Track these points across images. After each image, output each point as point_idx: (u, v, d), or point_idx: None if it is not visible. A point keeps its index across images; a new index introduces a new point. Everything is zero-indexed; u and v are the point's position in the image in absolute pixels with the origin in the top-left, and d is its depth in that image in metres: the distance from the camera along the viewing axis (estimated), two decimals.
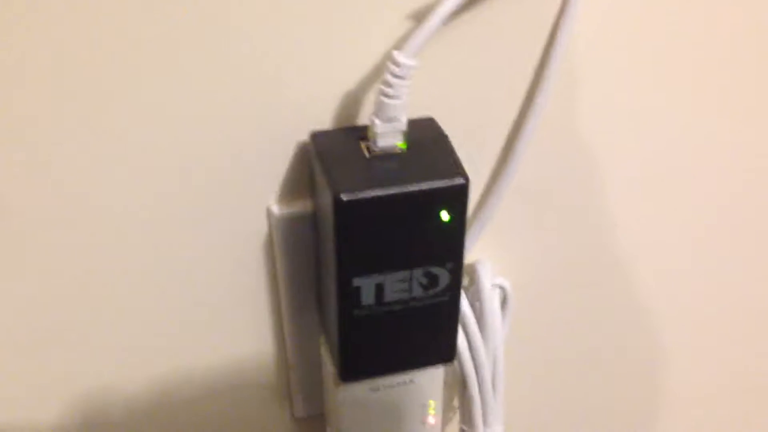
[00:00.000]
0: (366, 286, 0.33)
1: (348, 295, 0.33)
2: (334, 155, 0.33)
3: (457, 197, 0.32)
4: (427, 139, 0.34)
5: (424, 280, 0.34)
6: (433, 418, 0.40)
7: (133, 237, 0.35)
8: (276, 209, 0.36)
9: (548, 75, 0.36)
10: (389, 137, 0.33)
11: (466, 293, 0.41)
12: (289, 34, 0.32)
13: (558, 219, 0.43)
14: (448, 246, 0.33)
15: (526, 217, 0.42)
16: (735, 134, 0.44)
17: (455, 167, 0.32)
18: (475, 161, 0.38)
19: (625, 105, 0.40)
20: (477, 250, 0.41)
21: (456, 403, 0.45)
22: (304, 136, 0.35)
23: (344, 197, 0.31)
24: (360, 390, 0.37)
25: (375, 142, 0.33)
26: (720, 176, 0.45)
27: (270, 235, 0.37)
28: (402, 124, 0.33)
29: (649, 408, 0.55)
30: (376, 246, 0.32)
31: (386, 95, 0.32)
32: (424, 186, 0.31)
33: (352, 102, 0.35)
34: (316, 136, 0.34)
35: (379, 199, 0.31)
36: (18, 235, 0.34)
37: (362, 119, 0.35)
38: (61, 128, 0.32)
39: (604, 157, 0.41)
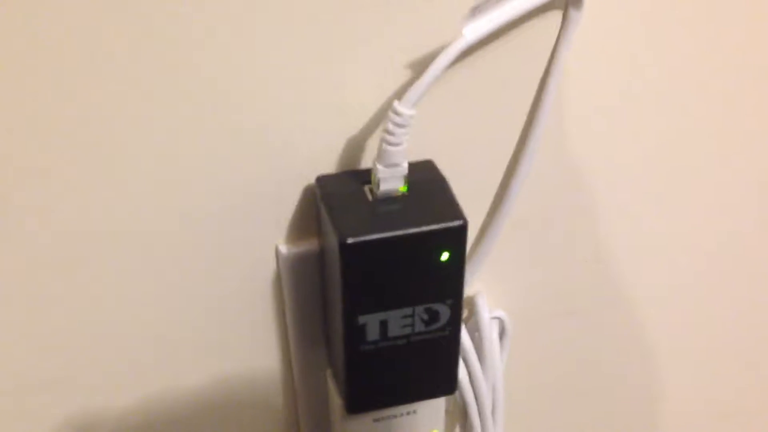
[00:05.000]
0: (371, 322, 0.34)
1: (354, 332, 0.34)
2: (339, 198, 0.35)
3: (456, 238, 0.34)
4: (427, 182, 0.35)
5: (426, 316, 0.35)
6: None
7: (147, 272, 0.37)
8: (284, 249, 0.38)
9: (539, 119, 0.38)
10: (391, 181, 0.34)
11: (465, 325, 0.42)
12: (299, 87, 0.34)
13: (552, 252, 0.44)
14: (449, 283, 0.35)
15: (522, 251, 0.43)
16: (733, 161, 0.45)
17: (454, 209, 0.34)
18: (473, 201, 0.39)
19: (615, 142, 0.42)
20: (475, 283, 0.43)
21: (458, 431, 0.46)
22: (310, 180, 0.36)
23: (349, 240, 0.32)
24: (365, 421, 0.39)
25: (378, 186, 0.34)
26: (718, 202, 0.46)
27: (278, 273, 0.39)
28: (403, 169, 0.34)
29: None
30: (380, 285, 0.34)
31: (388, 142, 0.33)
32: (425, 228, 0.33)
33: (355, 148, 0.36)
34: (322, 180, 0.36)
35: (383, 241, 0.32)
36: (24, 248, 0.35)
37: (365, 163, 0.37)
38: (72, 182, 0.34)
39: (596, 191, 0.43)
